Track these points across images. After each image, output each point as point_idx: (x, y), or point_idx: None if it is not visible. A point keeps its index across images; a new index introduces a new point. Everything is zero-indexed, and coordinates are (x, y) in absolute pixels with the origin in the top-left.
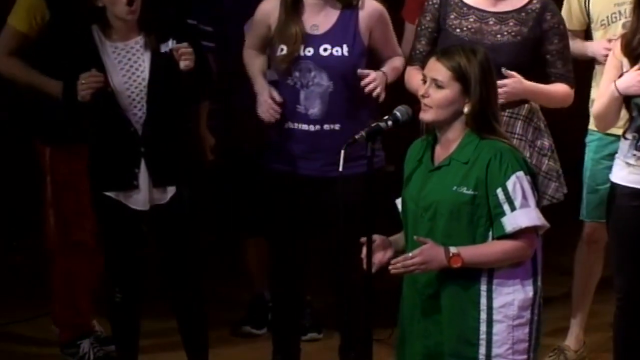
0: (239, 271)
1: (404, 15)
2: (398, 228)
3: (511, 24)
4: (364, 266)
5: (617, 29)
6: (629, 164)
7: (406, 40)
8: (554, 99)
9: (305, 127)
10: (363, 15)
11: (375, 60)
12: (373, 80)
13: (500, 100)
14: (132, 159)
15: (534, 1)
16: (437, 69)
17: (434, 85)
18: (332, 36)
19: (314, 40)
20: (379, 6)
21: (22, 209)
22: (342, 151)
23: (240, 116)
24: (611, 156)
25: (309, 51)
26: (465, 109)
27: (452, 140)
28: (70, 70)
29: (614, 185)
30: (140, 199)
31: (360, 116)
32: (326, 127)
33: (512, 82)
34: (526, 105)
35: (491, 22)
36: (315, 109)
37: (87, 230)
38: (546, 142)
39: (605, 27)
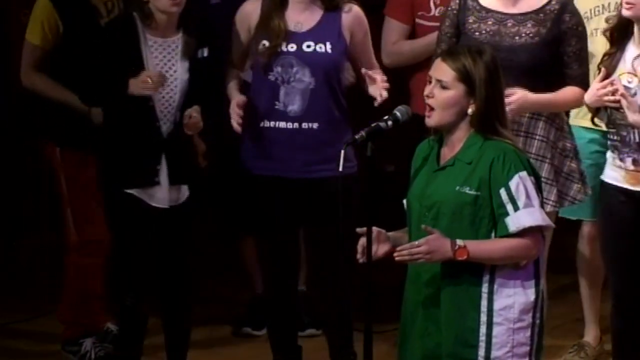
0: (239, 271)
1: (386, 11)
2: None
3: (529, 25)
4: (357, 257)
5: (600, 23)
6: (615, 167)
7: (385, 33)
8: (563, 106)
9: (283, 124)
10: (346, 17)
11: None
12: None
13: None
14: (153, 155)
15: (553, 1)
16: (442, 70)
17: (439, 86)
18: (316, 33)
19: (297, 37)
20: (361, 12)
21: (22, 209)
22: (342, 151)
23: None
24: (597, 153)
25: (292, 47)
26: (469, 110)
27: (457, 140)
28: (112, 55)
29: (605, 184)
30: (161, 196)
31: (337, 117)
32: (304, 125)
33: (516, 99)
34: None
35: (509, 24)
36: (295, 106)
37: (102, 229)
38: (568, 143)
39: (588, 20)
